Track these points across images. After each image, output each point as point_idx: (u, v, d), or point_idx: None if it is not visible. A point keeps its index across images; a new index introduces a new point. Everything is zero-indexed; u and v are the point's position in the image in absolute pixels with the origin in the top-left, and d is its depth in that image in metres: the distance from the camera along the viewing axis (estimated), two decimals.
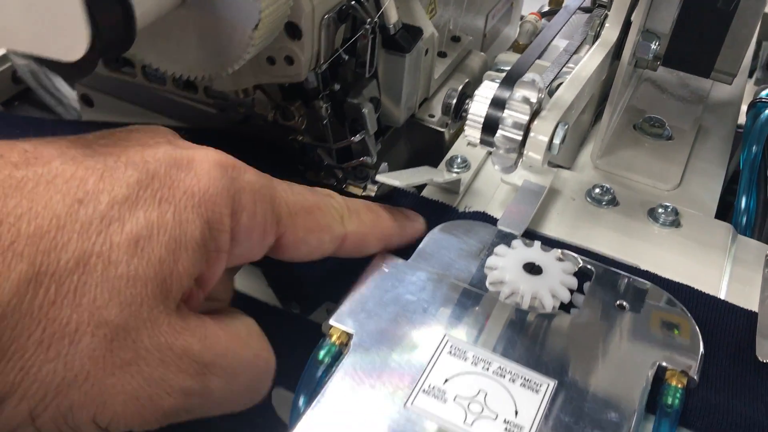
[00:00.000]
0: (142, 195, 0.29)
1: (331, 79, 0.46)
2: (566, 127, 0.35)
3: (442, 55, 0.58)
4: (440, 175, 0.47)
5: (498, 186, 0.50)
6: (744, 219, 0.50)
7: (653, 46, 0.49)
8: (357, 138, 0.46)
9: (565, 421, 0.34)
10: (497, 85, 0.36)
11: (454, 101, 0.37)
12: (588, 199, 0.50)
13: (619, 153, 0.54)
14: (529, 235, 0.46)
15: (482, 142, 0.36)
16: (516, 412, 0.34)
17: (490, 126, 0.35)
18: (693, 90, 0.62)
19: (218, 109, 0.50)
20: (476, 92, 0.36)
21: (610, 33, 0.47)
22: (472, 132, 0.36)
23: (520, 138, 0.35)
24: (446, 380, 0.35)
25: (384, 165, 0.48)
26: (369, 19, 0.44)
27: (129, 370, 0.28)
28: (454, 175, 0.48)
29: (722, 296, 0.44)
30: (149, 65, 0.40)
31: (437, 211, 0.47)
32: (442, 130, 0.54)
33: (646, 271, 0.44)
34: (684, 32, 0.51)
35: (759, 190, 0.51)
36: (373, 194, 0.47)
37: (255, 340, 0.33)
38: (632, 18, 0.47)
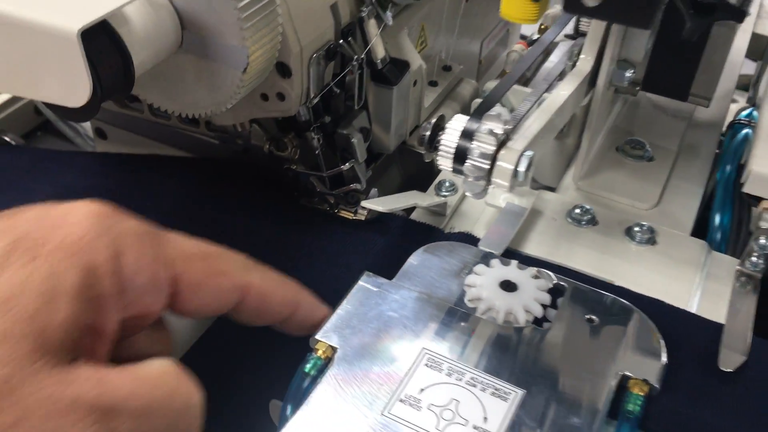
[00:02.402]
0: (11, 257, 0.29)
1: (323, 112, 0.49)
2: (531, 155, 0.38)
3: (433, 84, 0.62)
4: (425, 198, 0.50)
5: (484, 209, 0.53)
6: (718, 235, 0.53)
7: (627, 74, 0.52)
8: (347, 166, 0.49)
9: (531, 425, 0.37)
10: (467, 118, 0.39)
11: (428, 133, 0.41)
12: (568, 219, 0.53)
13: (601, 174, 0.57)
14: (510, 255, 0.49)
15: (454, 170, 0.40)
16: (485, 419, 0.37)
17: (460, 156, 0.39)
18: (677, 110, 0.64)
19: (219, 141, 0.53)
20: (447, 125, 0.39)
21: (585, 63, 0.50)
22: (444, 161, 0.39)
23: (487, 167, 0.38)
24: (422, 390, 0.38)
25: (374, 191, 0.51)
26: (356, 56, 0.48)
27: None
28: (438, 198, 0.51)
29: (693, 310, 0.46)
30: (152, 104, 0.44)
31: (423, 233, 0.50)
32: None
33: (619, 287, 0.47)
34: (659, 60, 0.54)
35: (733, 207, 0.53)
36: (363, 218, 0.50)
37: (170, 378, 0.32)
38: (606, 48, 0.50)
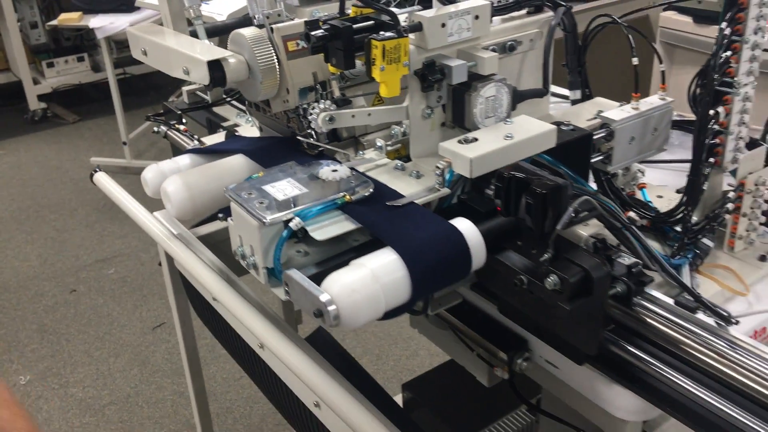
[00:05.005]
0: None
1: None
2: (328, 119, 1.14)
3: None
4: (339, 152, 1.26)
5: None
6: None
7: (427, 111, 1.22)
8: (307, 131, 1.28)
9: (298, 196, 1.10)
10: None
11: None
12: (395, 168, 1.23)
13: (430, 153, 1.26)
14: (359, 173, 1.21)
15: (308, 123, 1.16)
16: (289, 192, 1.11)
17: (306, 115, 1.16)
18: None
19: (288, 127, 1.36)
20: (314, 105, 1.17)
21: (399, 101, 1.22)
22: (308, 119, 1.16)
23: (315, 118, 1.14)
24: (277, 186, 1.14)
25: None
26: (319, 92, 1.27)
27: None
28: (339, 150, 1.26)
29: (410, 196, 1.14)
30: (246, 97, 1.29)
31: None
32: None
33: (384, 185, 1.16)
34: (452, 108, 1.23)
35: None
36: (312, 153, 1.27)
37: None
38: (413, 96, 1.22)
